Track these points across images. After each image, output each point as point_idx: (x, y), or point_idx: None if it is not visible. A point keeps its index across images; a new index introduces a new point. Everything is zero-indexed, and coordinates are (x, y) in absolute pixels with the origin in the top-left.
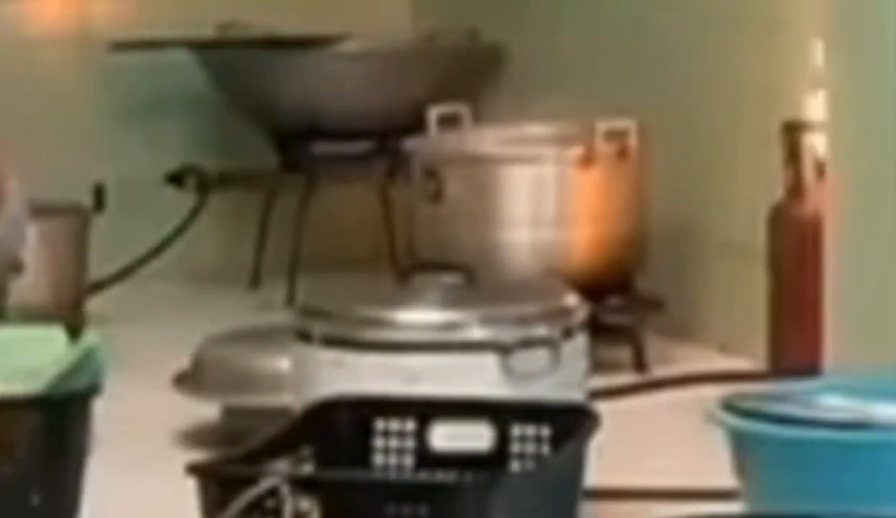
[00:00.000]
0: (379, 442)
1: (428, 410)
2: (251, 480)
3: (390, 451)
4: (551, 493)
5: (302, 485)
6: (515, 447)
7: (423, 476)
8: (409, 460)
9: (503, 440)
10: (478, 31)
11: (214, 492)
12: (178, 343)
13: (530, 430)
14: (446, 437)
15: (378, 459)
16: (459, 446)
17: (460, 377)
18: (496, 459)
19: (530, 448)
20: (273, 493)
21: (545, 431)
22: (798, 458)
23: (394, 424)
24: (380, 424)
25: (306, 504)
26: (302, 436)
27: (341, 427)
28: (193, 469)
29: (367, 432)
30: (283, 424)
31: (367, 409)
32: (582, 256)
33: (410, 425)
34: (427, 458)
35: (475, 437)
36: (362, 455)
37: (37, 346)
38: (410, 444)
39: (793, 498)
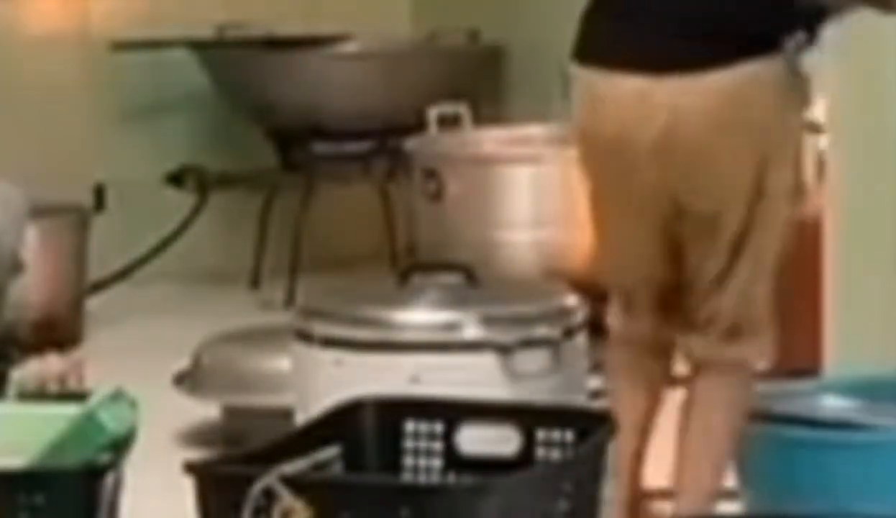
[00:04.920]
0: (409, 443)
1: (456, 413)
2: (247, 480)
3: (420, 452)
4: (545, 497)
5: (294, 485)
6: (541, 451)
7: (415, 479)
8: (437, 462)
9: (529, 444)
10: (478, 31)
11: (211, 491)
12: (178, 343)
13: (555, 434)
14: (474, 440)
15: (408, 461)
16: (487, 449)
17: (460, 377)
18: (523, 463)
19: (555, 452)
20: (268, 492)
21: (569, 436)
22: (798, 458)
23: (423, 426)
24: (410, 426)
25: (298, 504)
26: (330, 435)
27: (370, 428)
28: (190, 468)
29: (396, 434)
30: (309, 423)
31: (396, 411)
32: (582, 257)
33: (439, 428)
34: (455, 461)
35: (502, 440)
36: (392, 456)
37: (37, 420)
38: (439, 446)
39: (792, 498)
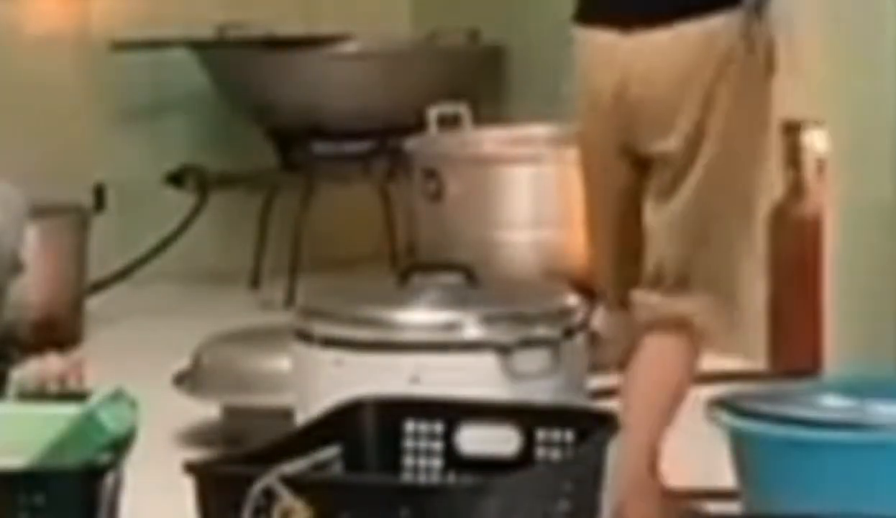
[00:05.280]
0: (409, 443)
1: (456, 413)
2: (247, 480)
3: (420, 452)
4: (545, 497)
5: (294, 485)
6: (541, 451)
7: (415, 479)
8: (437, 462)
9: (529, 444)
10: (478, 31)
11: (211, 491)
12: (178, 343)
13: (555, 434)
14: (474, 440)
15: (408, 461)
16: (487, 449)
17: (460, 377)
18: (523, 463)
19: (555, 452)
20: (268, 492)
21: (569, 436)
22: (798, 458)
23: (423, 426)
24: (410, 426)
25: (298, 504)
26: (330, 435)
27: (370, 428)
28: (190, 468)
29: (397, 434)
30: (309, 423)
31: (396, 411)
32: (582, 257)
33: (439, 428)
34: (455, 461)
35: (502, 440)
36: (392, 456)
37: (37, 420)
38: (439, 446)
39: (792, 498)
